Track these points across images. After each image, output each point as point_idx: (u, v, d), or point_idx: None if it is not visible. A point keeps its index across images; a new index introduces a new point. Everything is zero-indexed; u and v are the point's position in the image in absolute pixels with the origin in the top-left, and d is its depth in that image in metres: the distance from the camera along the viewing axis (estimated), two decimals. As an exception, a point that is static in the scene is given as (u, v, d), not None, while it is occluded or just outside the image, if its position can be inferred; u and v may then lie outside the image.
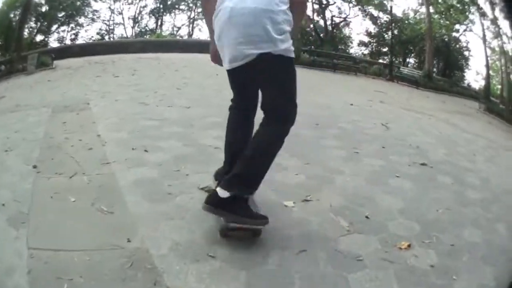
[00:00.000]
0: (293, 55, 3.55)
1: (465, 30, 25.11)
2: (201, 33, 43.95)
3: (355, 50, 32.09)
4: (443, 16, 25.49)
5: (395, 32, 29.18)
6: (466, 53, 25.35)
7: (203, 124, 7.56)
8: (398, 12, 28.60)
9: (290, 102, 3.73)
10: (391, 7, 28.56)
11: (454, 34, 25.73)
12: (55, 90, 12.86)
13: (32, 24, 35.82)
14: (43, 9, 36.08)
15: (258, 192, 3.88)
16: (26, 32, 35.01)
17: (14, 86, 15.90)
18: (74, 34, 40.05)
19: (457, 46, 25.99)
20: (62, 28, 39.36)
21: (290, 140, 3.82)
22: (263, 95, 3.78)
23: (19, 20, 25.18)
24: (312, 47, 28.83)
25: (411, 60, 28.81)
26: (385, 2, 28.81)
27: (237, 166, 3.61)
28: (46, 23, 36.58)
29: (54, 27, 38.06)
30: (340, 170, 5.20)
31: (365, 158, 5.82)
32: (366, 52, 30.38)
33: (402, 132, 7.85)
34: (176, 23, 43.55)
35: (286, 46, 3.47)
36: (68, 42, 38.98)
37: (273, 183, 4.74)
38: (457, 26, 25.38)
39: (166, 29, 42.77)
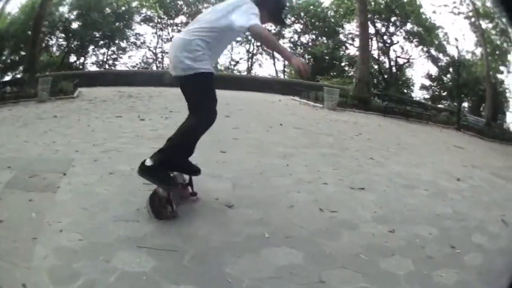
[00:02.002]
0: (205, 70, 4.73)
1: (509, 72, 24.33)
2: (262, 69, 42.29)
3: (416, 93, 32.39)
4: (492, 57, 24.76)
5: (454, 75, 28.58)
6: (508, 95, 24.68)
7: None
8: (456, 54, 27.80)
9: (205, 107, 4.88)
10: (457, 47, 30.03)
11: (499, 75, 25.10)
12: (45, 136, 9.86)
13: (62, 41, 34.48)
14: (74, 25, 35.00)
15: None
16: (55, 50, 33.72)
17: (11, 118, 13.39)
18: (113, 59, 38.51)
19: (501, 88, 24.87)
20: (102, 50, 37.87)
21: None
22: (188, 100, 5.03)
23: (32, 33, 21.76)
24: (375, 89, 27.76)
25: (465, 104, 28.27)
26: (444, 43, 28.60)
27: (163, 146, 4.99)
28: (77, 42, 35.08)
29: (91, 48, 37.06)
30: None
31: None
32: (427, 96, 30.58)
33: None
34: (234, 56, 42.08)
35: (198, 66, 4.68)
36: (109, 67, 37.71)
37: None
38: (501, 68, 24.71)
39: (223, 62, 41.00)
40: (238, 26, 4.58)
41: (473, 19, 24.64)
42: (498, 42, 25.18)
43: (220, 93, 16.00)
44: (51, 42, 32.29)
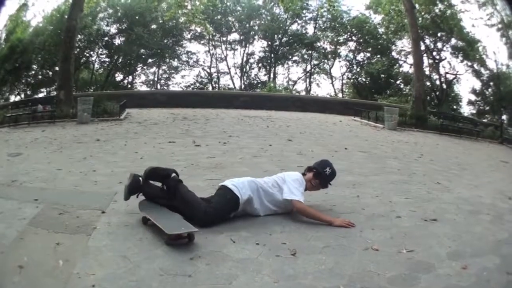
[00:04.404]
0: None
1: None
2: (320, 89, 42.24)
3: (464, 109, 35.18)
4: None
5: (493, 88, 32.21)
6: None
7: None
8: (495, 67, 31.79)
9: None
10: (495, 61, 32.34)
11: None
12: (83, 164, 9.52)
13: (104, 58, 34.08)
14: (116, 41, 34.59)
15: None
16: (97, 66, 33.53)
17: (44, 141, 13.11)
18: (165, 78, 38.34)
19: None
20: (152, 69, 37.55)
21: None
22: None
23: (63, 47, 21.66)
24: (429, 107, 29.23)
25: (504, 117, 31.42)
26: (483, 56, 32.30)
27: None
28: (122, 59, 34.55)
29: (139, 66, 36.58)
30: None
31: None
32: (473, 111, 34.28)
33: None
34: (291, 76, 41.94)
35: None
36: (160, 87, 37.27)
37: None
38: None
39: (280, 82, 40.80)
40: (283, 198, 5.92)
41: (503, 31, 28.39)
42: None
43: (281, 115, 15.68)
44: (91, 58, 32.75)
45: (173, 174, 5.88)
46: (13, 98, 25.46)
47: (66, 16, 22.73)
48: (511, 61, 30.64)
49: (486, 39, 35.94)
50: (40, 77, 27.67)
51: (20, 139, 13.30)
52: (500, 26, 28.45)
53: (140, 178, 5.79)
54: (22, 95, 26.79)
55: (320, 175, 6.25)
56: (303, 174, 6.31)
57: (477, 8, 30.12)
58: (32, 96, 26.44)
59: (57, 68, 24.70)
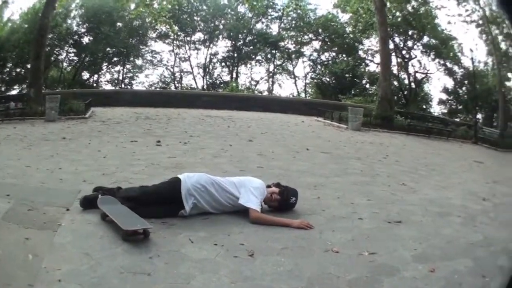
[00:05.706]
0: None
1: (513, 79, 28.84)
2: (282, 90, 42.28)
3: (434, 109, 35.96)
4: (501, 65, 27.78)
5: (468, 87, 32.54)
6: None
7: None
8: (470, 65, 31.77)
9: None
10: (471, 58, 33.78)
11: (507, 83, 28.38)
12: (50, 161, 9.66)
13: (73, 56, 33.96)
14: (85, 39, 34.60)
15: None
16: (65, 65, 33.46)
17: (15, 137, 13.23)
18: (130, 77, 38.23)
19: (510, 96, 28.35)
20: (117, 68, 37.48)
21: None
22: None
23: (35, 45, 21.75)
24: (396, 107, 28.99)
25: (479, 116, 31.89)
26: (458, 54, 32.73)
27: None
28: (90, 58, 34.42)
29: (104, 65, 36.51)
30: None
31: None
32: (445, 110, 34.95)
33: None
34: (254, 76, 41.94)
35: None
36: (125, 86, 37.23)
37: None
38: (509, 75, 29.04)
39: (243, 82, 40.84)
40: (239, 202, 5.89)
41: (483, 27, 28.11)
42: (504, 47, 27.96)
43: (242, 115, 15.89)
44: (60, 57, 32.65)
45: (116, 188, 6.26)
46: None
47: (40, 14, 22.68)
48: (489, 58, 30.18)
49: (463, 36, 35.78)
50: (14, 74, 27.58)
51: (-6, 136, 13.41)
52: (480, 22, 28.22)
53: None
54: (-3, 92, 26.83)
55: (284, 195, 6.19)
56: (268, 186, 6.29)
57: (455, 4, 30.26)
58: (5, 93, 26.42)
59: (29, 66, 24.64)
